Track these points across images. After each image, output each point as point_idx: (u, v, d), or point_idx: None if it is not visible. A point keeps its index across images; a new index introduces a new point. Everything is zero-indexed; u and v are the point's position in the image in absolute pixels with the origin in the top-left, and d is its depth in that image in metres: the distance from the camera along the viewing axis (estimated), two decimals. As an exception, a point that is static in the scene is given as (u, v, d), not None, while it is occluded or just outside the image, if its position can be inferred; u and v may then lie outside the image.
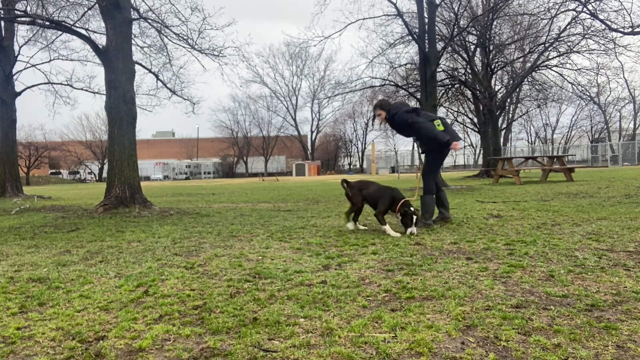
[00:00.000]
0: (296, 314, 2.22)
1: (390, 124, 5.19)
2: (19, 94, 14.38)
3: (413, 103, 32.49)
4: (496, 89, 22.22)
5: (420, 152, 5.70)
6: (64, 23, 9.46)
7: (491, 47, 19.36)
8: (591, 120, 48.47)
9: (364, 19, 14.44)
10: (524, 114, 37.62)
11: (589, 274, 2.78)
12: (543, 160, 20.98)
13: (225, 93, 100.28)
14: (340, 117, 60.44)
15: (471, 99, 23.31)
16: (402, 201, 4.59)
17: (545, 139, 53.80)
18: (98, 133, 55.41)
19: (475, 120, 24.56)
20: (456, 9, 14.88)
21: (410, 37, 15.28)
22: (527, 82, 21.82)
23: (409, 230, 4.49)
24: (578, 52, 18.05)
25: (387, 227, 4.58)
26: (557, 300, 2.31)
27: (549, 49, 18.07)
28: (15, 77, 14.52)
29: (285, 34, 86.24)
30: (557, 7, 15.43)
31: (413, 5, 18.55)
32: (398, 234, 4.46)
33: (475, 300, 2.34)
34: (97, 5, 9.38)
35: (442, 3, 14.67)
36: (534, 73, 20.34)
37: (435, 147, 5.01)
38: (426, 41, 13.11)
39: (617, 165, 34.20)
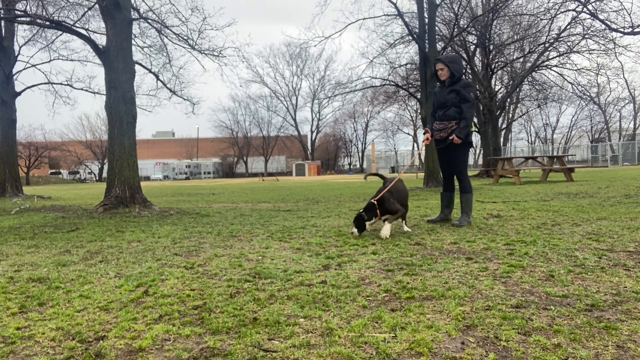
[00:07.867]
0: (296, 314, 2.22)
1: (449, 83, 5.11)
2: (19, 94, 14.37)
3: (413, 103, 32.52)
4: (496, 89, 22.21)
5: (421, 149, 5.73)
6: (64, 23, 9.45)
7: (491, 47, 19.35)
8: (591, 120, 48.56)
9: (364, 19, 14.50)
10: (524, 114, 37.65)
11: (589, 274, 2.78)
12: (543, 160, 21.00)
13: (225, 93, 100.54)
14: (340, 117, 60.58)
15: (471, 99, 23.24)
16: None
17: (545, 139, 53.83)
18: (98, 133, 55.52)
19: (475, 120, 24.56)
20: (456, 9, 14.87)
21: (410, 37, 15.28)
22: (527, 82, 21.82)
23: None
24: (578, 52, 18.06)
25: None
26: (557, 300, 2.31)
27: (549, 49, 18.08)
28: (15, 77, 14.50)
29: (286, 35, 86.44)
30: (557, 7, 15.44)
31: (413, 5, 18.58)
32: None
33: (475, 300, 2.34)
34: (97, 5, 9.38)
35: (442, 3, 14.65)
36: (534, 73, 20.34)
37: (468, 139, 5.09)
38: (426, 41, 13.10)
39: (617, 165, 34.22)
